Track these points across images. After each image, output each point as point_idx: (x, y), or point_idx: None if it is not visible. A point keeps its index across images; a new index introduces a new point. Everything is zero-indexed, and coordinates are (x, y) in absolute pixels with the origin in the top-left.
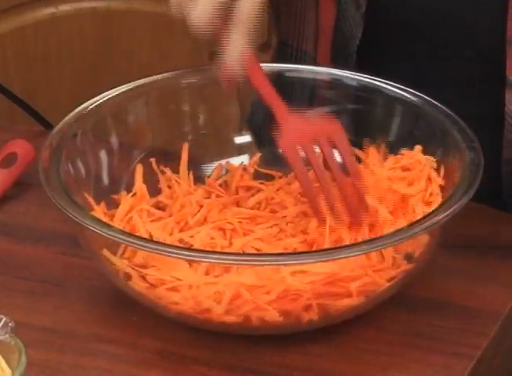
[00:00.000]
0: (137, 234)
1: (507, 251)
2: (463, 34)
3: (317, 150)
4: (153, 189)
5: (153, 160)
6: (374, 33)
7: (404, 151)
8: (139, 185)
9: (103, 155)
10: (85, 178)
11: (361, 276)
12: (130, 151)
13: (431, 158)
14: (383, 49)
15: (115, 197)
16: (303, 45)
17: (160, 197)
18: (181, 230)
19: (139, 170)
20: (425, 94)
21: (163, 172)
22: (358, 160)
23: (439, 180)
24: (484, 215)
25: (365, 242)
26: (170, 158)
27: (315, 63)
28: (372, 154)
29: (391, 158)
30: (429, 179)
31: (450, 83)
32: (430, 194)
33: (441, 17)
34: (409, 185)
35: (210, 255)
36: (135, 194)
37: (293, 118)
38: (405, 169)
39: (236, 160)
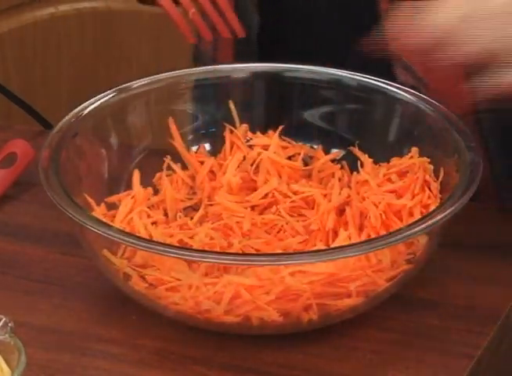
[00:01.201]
0: (137, 234)
1: (507, 251)
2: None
3: None
4: (154, 189)
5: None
6: (273, 22)
7: (395, 159)
8: (137, 189)
9: (103, 155)
10: (85, 179)
11: (360, 276)
12: (130, 151)
13: (427, 160)
14: (282, 39)
15: (113, 198)
16: (199, 44)
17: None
18: (181, 229)
19: (136, 175)
20: None
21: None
22: (358, 161)
23: (435, 183)
24: (484, 215)
25: (364, 242)
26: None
27: (214, 61)
28: (366, 163)
29: (385, 166)
30: (425, 181)
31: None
32: (428, 197)
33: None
34: (404, 192)
35: (209, 255)
36: (133, 197)
37: None
38: (400, 174)
39: None
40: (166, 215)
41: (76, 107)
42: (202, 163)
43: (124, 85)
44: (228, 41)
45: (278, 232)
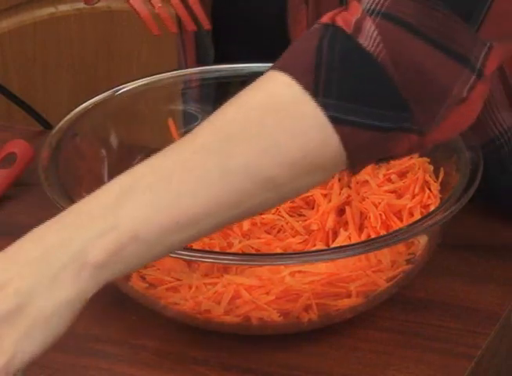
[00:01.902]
0: None
1: (507, 252)
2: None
3: None
4: None
5: None
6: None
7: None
8: None
9: (103, 155)
10: (85, 179)
11: (360, 276)
12: (130, 151)
13: (427, 160)
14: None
15: None
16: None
17: None
18: None
19: None
20: None
21: None
22: None
23: (435, 183)
24: (484, 215)
25: (364, 242)
26: None
27: None
28: None
29: (385, 166)
30: (425, 182)
31: None
32: (428, 197)
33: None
34: (404, 192)
35: (209, 255)
36: None
37: None
38: (400, 174)
39: None
40: None
41: (76, 107)
42: None
43: (124, 85)
44: (192, 60)
45: (278, 232)
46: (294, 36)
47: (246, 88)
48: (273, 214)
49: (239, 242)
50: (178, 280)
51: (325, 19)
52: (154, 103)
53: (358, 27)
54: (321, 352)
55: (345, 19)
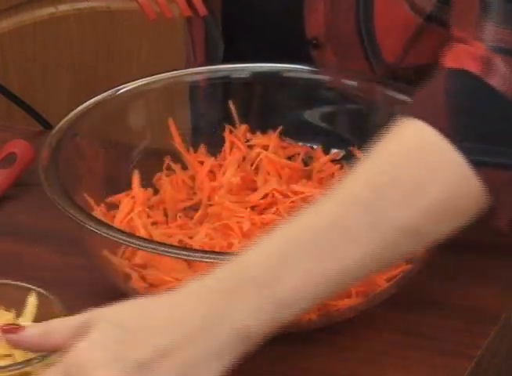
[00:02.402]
0: (137, 234)
1: (507, 251)
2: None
3: None
4: (154, 189)
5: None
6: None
7: None
8: (137, 190)
9: (103, 155)
10: (85, 179)
11: None
12: (129, 151)
13: None
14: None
15: (113, 198)
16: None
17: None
18: (181, 229)
19: (136, 175)
20: None
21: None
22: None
23: None
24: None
25: None
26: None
27: None
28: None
29: None
30: None
31: None
32: None
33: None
34: None
35: (209, 255)
36: (133, 197)
37: None
38: None
39: None
40: (166, 215)
41: (76, 107)
42: (202, 163)
43: (124, 85)
44: (201, 53)
45: None
46: (309, 26)
47: (382, 137)
48: (273, 214)
49: (239, 242)
50: (178, 280)
51: (448, 62)
52: (154, 103)
53: (486, 66)
54: (321, 352)
55: (471, 60)
